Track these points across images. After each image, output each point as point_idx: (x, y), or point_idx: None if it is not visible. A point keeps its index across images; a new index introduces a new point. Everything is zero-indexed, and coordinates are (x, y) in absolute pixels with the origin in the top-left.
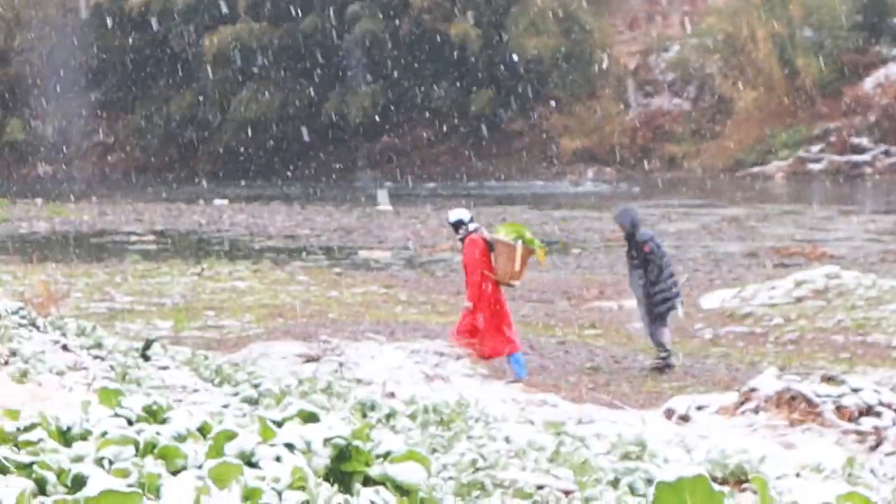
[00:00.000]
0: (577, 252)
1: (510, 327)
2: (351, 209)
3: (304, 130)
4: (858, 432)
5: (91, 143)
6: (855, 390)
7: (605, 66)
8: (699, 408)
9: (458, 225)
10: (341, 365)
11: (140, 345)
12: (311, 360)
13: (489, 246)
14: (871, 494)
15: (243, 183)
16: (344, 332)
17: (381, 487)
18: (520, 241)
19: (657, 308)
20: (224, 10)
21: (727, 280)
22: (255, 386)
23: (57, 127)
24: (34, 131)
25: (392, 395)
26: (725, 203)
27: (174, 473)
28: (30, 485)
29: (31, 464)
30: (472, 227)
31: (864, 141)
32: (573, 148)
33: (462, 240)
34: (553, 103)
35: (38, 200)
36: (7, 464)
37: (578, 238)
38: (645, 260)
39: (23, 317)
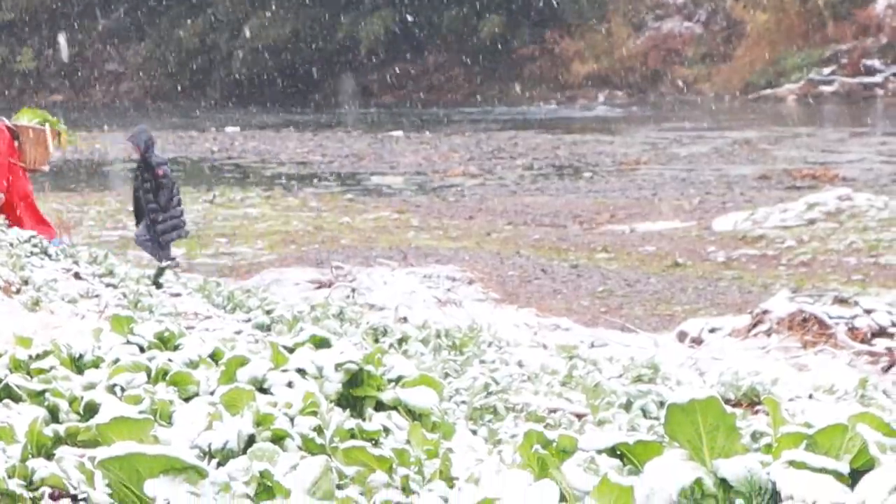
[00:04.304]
0: (589, 176)
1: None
2: (362, 135)
3: (315, 56)
4: (871, 353)
5: (102, 71)
6: (867, 312)
7: None
8: (712, 330)
9: None
10: (354, 290)
11: (152, 272)
12: (323, 286)
13: (13, 135)
14: (884, 415)
15: (255, 110)
16: (356, 257)
17: (393, 412)
18: (47, 125)
19: (164, 236)
20: None
21: (739, 203)
22: (268, 312)
23: (68, 55)
24: (45, 60)
25: (404, 319)
26: (737, 126)
27: (186, 400)
28: (42, 412)
29: (44, 391)
30: None
31: (876, 63)
32: (584, 72)
33: None
34: (564, 28)
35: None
36: (20, 391)
37: (590, 162)
38: (157, 185)
39: (35, 245)
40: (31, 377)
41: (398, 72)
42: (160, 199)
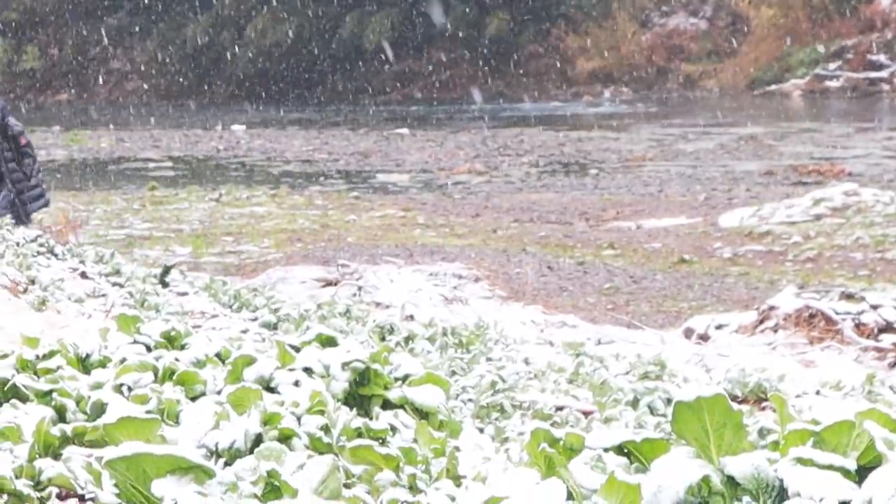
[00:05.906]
0: (595, 173)
1: None
2: (368, 133)
3: (321, 55)
4: (878, 349)
5: (107, 70)
6: (874, 307)
7: None
8: (718, 327)
9: None
10: (360, 289)
11: (158, 271)
12: (329, 284)
13: None
14: (890, 411)
15: (260, 108)
16: (362, 255)
17: (400, 410)
18: None
19: (30, 205)
20: None
21: (745, 199)
22: (274, 311)
23: (73, 54)
24: (50, 59)
25: (411, 317)
26: (743, 122)
27: (193, 399)
28: (49, 412)
29: (51, 391)
30: None
31: (882, 58)
32: (589, 69)
33: None
34: (569, 24)
35: (56, 128)
36: (27, 391)
37: (596, 158)
38: (21, 153)
39: (41, 245)
40: (38, 377)
41: (403, 69)
42: (25, 168)
